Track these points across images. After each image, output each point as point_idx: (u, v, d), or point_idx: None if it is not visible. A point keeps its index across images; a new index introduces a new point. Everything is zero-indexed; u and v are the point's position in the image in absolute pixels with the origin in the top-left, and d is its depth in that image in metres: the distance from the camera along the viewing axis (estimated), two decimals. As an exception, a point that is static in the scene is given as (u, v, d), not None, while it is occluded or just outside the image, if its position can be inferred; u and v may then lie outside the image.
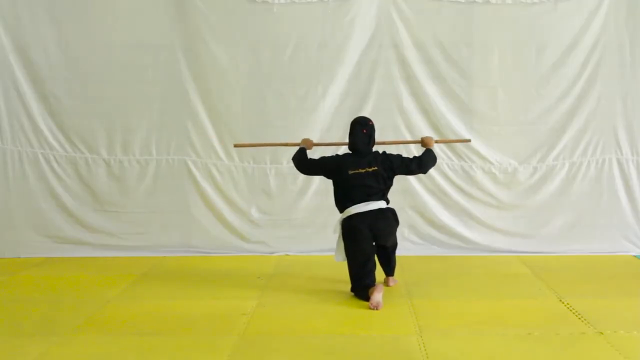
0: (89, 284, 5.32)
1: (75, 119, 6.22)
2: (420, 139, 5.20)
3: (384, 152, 4.87)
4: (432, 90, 6.18)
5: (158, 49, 6.14)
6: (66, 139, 6.25)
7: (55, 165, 6.27)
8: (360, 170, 4.71)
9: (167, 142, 6.26)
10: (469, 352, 3.72)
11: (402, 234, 5.91)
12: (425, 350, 3.74)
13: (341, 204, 4.81)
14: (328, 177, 4.92)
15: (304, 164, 4.96)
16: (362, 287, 4.65)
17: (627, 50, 6.14)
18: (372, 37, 6.15)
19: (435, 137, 5.99)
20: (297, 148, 5.09)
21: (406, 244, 6.10)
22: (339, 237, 4.82)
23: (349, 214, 4.73)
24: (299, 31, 6.11)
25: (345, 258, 4.78)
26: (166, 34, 6.12)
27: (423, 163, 4.88)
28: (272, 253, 6.27)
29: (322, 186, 6.17)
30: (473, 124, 6.20)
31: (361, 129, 4.79)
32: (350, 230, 4.70)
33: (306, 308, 4.58)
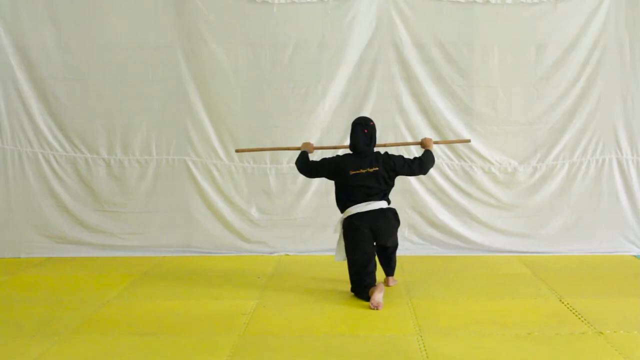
0: (89, 284, 5.32)
1: (75, 119, 6.22)
2: (419, 141, 5.23)
3: (386, 153, 4.87)
4: (432, 90, 6.18)
5: (158, 49, 6.14)
6: (66, 139, 6.25)
7: (55, 165, 6.27)
8: (362, 171, 4.71)
9: (167, 142, 6.27)
10: (469, 352, 3.72)
11: (402, 234, 5.91)
12: (425, 350, 3.74)
13: (342, 204, 4.82)
14: (330, 178, 4.93)
15: (306, 167, 4.97)
16: (362, 287, 4.65)
17: (627, 50, 6.14)
18: (372, 37, 6.15)
19: (436, 138, 6.02)
20: (298, 152, 5.13)
21: (406, 244, 6.10)
22: (339, 236, 4.82)
23: (349, 214, 4.73)
24: (299, 31, 6.11)
25: (345, 258, 4.78)
26: (166, 34, 6.12)
27: (424, 164, 4.89)
28: (272, 253, 6.27)
29: (322, 186, 6.18)
30: (473, 124, 6.21)
31: (362, 129, 4.79)
32: (351, 229, 4.70)
33: (306, 308, 4.58)
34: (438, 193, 6.29)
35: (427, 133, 6.11)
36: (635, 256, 6.15)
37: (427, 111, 6.20)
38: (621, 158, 6.24)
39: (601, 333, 3.97)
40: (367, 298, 4.57)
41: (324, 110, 6.19)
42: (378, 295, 4.50)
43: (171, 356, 3.74)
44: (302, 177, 6.09)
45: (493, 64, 6.15)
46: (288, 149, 5.47)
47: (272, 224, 6.31)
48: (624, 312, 4.41)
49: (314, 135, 6.18)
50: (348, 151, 4.96)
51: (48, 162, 6.27)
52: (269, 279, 5.42)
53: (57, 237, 6.31)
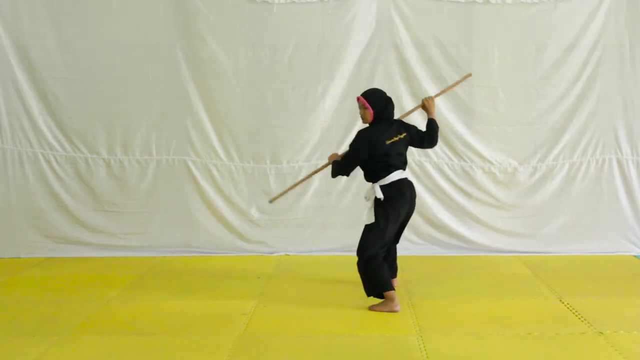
0: (89, 284, 5.32)
1: (75, 119, 6.22)
2: (420, 104, 4.92)
3: (402, 121, 4.77)
4: (432, 90, 6.15)
5: (158, 49, 6.13)
6: (66, 139, 6.25)
7: (55, 165, 6.27)
8: (395, 139, 4.57)
9: (167, 142, 6.26)
10: (469, 352, 3.72)
11: (403, 234, 5.90)
12: (425, 350, 3.74)
13: (384, 172, 4.55)
14: (365, 157, 4.61)
15: (343, 168, 4.71)
16: (375, 263, 4.46)
17: (627, 50, 6.14)
18: (372, 36, 6.14)
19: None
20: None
21: (406, 244, 6.09)
22: (372, 204, 4.54)
23: (392, 180, 4.53)
24: (299, 31, 6.10)
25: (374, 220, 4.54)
26: (166, 34, 6.11)
27: (433, 137, 4.78)
28: (272, 253, 6.27)
29: (322, 186, 6.19)
30: (473, 124, 6.21)
31: (391, 101, 4.67)
32: (395, 194, 4.52)
33: (306, 308, 4.58)
34: (438, 193, 6.29)
35: (427, 133, 6.15)
36: (635, 256, 6.15)
37: (427, 111, 6.19)
38: (621, 158, 6.25)
39: (601, 333, 3.97)
40: (377, 293, 4.46)
41: (324, 110, 6.19)
42: (386, 308, 4.44)
43: (171, 356, 3.74)
44: (302, 177, 6.11)
45: (493, 64, 6.15)
46: (317, 171, 5.16)
47: (272, 224, 6.31)
48: (624, 312, 4.42)
49: (314, 136, 6.19)
50: (362, 124, 4.79)
51: (48, 162, 6.27)
52: (269, 279, 5.42)
53: (57, 237, 6.31)
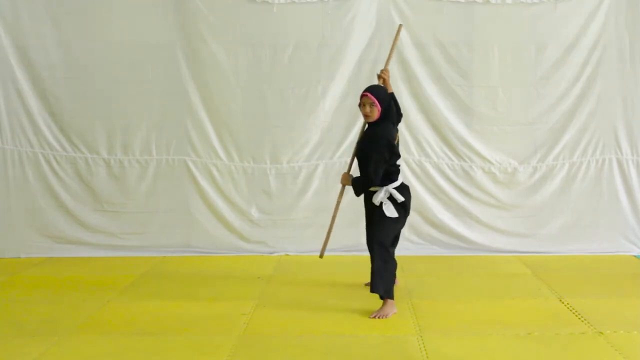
0: (89, 284, 5.32)
1: (75, 119, 6.22)
2: (381, 80, 4.72)
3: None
4: (432, 90, 6.17)
5: (158, 49, 6.13)
6: (66, 139, 6.25)
7: (55, 165, 6.27)
8: (398, 137, 4.54)
9: (167, 142, 6.26)
10: (469, 352, 3.72)
11: (402, 234, 5.86)
12: (425, 350, 3.74)
13: (395, 175, 4.44)
14: (387, 159, 4.40)
15: (375, 178, 4.37)
16: (392, 260, 4.45)
17: (627, 50, 6.14)
18: (372, 36, 6.14)
19: (435, 138, 6.11)
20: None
21: (406, 244, 6.08)
22: (392, 204, 4.42)
23: (401, 181, 4.47)
24: (299, 31, 6.10)
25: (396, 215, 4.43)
26: (166, 34, 6.11)
27: (401, 113, 4.76)
28: (272, 253, 6.27)
29: (322, 186, 6.19)
30: (473, 124, 6.20)
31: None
32: (409, 195, 4.49)
33: (306, 308, 4.58)
34: (438, 193, 6.29)
35: (427, 133, 6.15)
36: (635, 256, 6.15)
37: (427, 111, 6.20)
38: (621, 158, 6.24)
39: (601, 333, 3.97)
40: (385, 287, 4.39)
41: (324, 110, 6.19)
42: (391, 311, 4.41)
43: (171, 356, 3.74)
44: (302, 177, 6.17)
45: (493, 64, 6.14)
46: (340, 199, 4.83)
47: (272, 224, 6.31)
48: (624, 312, 4.42)
49: (314, 136, 6.19)
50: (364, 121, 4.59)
51: (48, 162, 6.27)
52: (269, 279, 5.42)
53: (57, 237, 6.30)
